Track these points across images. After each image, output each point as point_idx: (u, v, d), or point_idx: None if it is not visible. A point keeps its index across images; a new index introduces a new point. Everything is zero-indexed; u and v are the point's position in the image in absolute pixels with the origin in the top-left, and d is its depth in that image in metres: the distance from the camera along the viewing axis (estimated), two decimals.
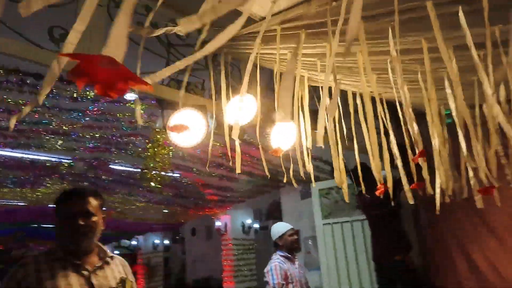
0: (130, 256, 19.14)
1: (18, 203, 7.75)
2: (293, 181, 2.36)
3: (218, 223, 8.77)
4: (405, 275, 3.63)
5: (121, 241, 17.34)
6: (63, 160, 5.32)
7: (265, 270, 3.47)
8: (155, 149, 4.11)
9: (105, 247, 1.72)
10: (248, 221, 8.94)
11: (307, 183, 6.22)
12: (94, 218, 1.62)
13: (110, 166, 5.95)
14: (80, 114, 3.87)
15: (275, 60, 2.32)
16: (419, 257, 4.27)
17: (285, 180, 2.60)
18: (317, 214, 5.39)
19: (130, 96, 3.95)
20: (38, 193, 6.75)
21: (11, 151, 4.75)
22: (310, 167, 2.48)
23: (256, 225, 9.14)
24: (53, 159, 5.25)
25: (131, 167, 5.93)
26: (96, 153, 5.28)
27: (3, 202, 7.27)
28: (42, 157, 5.12)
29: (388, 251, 3.76)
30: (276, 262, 3.45)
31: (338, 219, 5.10)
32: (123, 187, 6.71)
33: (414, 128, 2.09)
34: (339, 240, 4.98)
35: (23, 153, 4.82)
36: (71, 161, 5.36)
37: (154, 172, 4.28)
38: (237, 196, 7.79)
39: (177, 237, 16.80)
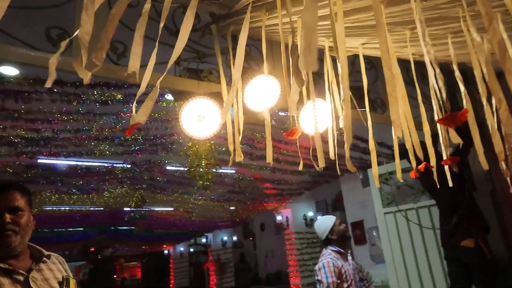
0: (203, 252, 19.86)
1: (90, 208, 8.34)
2: (351, 168, 1.96)
3: (279, 217, 8.54)
4: (477, 260, 3.05)
5: (197, 238, 18.09)
6: (115, 165, 5.50)
7: (317, 268, 3.11)
8: (196, 146, 3.99)
9: (39, 246, 1.52)
10: (310, 213, 8.58)
11: (367, 170, 5.69)
12: (22, 215, 1.41)
13: (163, 167, 6.05)
14: (115, 117, 3.89)
15: (289, 31, 1.99)
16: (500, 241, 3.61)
17: (319, 167, 2.20)
18: (377, 202, 4.87)
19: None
20: (105, 198, 7.15)
21: (66, 160, 5.01)
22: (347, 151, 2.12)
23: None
24: (106, 164, 5.45)
25: (181, 167, 5.96)
26: (145, 155, 5.37)
27: (77, 207, 7.85)
28: (95, 163, 5.34)
29: (457, 234, 3.19)
30: (329, 259, 3.05)
31: (401, 207, 4.54)
32: (178, 186, 6.79)
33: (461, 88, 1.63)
34: (404, 229, 4.43)
35: (77, 160, 5.05)
36: (123, 164, 5.51)
37: (201, 169, 4.16)
38: (295, 189, 7.48)
39: (248, 233, 17.04)
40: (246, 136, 4.89)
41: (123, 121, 4.09)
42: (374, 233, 5.99)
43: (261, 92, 2.49)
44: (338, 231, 3.12)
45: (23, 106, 3.30)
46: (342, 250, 3.09)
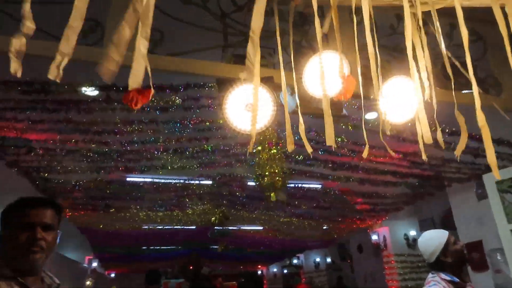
0: (297, 274, 19.06)
1: (178, 226, 8.45)
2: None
3: (374, 237, 7.54)
4: None
5: (291, 259, 17.50)
6: (191, 181, 5.38)
7: None
8: (260, 153, 3.57)
9: (50, 273, 1.47)
10: (413, 232, 7.38)
11: (482, 177, 4.58)
12: (52, 233, 1.39)
13: (241, 181, 5.75)
14: (179, 125, 3.69)
15: None
16: None
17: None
18: (500, 217, 3.78)
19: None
20: (189, 215, 7.13)
21: (142, 177, 5.03)
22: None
23: None
24: (181, 180, 5.35)
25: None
26: (220, 169, 5.13)
27: (166, 226, 8.00)
28: (168, 180, 5.29)
29: None
30: None
31: None
32: (258, 203, 6.41)
33: None
34: None
35: (152, 177, 5.04)
36: (197, 180, 5.36)
37: (270, 181, 3.71)
38: (390, 203, 6.49)
39: (344, 255, 15.84)
40: (323, 141, 4.29)
41: (188, 130, 3.88)
42: (498, 257, 4.73)
43: (325, 75, 1.99)
44: (455, 251, 2.21)
45: (84, 119, 3.28)
46: (458, 280, 2.15)
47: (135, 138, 3.85)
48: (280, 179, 3.39)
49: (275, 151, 3.57)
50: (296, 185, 5.92)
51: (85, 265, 9.71)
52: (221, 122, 3.84)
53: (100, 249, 9.64)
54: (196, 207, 6.54)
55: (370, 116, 4.01)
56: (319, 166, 5.03)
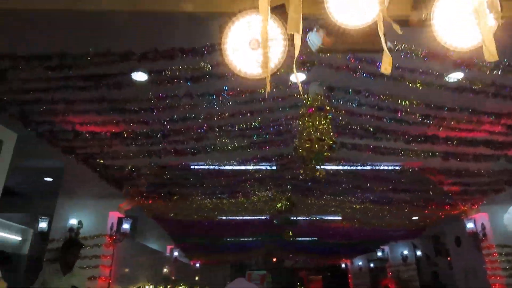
0: (381, 269, 17.66)
1: (255, 216, 8.25)
2: None
3: (470, 225, 6.39)
4: None
5: (374, 252, 16.26)
6: (247, 166, 5.07)
7: None
8: (306, 117, 3.06)
9: None
10: None
11: None
12: None
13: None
14: (214, 98, 3.38)
15: None
16: None
17: None
18: None
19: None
20: (254, 202, 6.86)
21: (196, 164, 4.88)
22: None
23: None
24: (240, 167, 5.07)
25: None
26: (274, 148, 4.72)
27: (238, 217, 7.86)
28: (227, 166, 5.05)
29: None
30: None
31: None
32: (326, 187, 5.85)
33: None
34: None
35: (207, 164, 4.86)
36: (255, 165, 5.02)
37: (308, 149, 3.13)
38: (487, 183, 5.38)
39: (440, 248, 14.22)
40: (383, 106, 3.61)
41: (228, 103, 3.55)
42: None
43: None
44: None
45: (116, 95, 3.16)
46: None
47: (175, 116, 3.66)
48: (324, 146, 2.85)
49: (319, 117, 3.04)
50: (365, 165, 5.23)
51: (167, 254, 10.12)
52: (262, 91, 3.44)
53: (178, 239, 9.96)
54: (259, 193, 6.23)
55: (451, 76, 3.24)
56: (389, 139, 4.32)
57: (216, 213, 7.35)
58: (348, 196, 6.02)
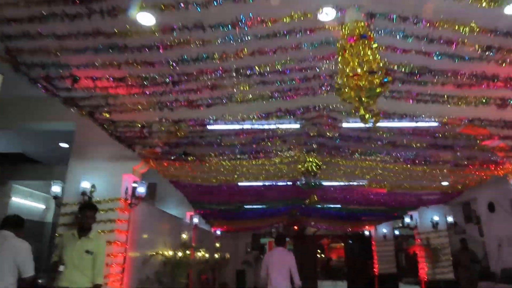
0: (406, 237, 17.15)
1: (276, 182, 7.81)
2: None
3: None
4: None
5: (401, 219, 15.72)
6: (270, 124, 4.54)
7: None
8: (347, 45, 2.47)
9: None
10: None
11: None
12: None
13: (330, 116, 4.70)
14: (229, 29, 2.80)
15: None
16: None
17: None
18: None
19: None
20: (277, 164, 6.38)
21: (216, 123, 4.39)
22: None
23: None
24: (262, 125, 4.55)
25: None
26: (301, 99, 4.16)
27: (258, 182, 7.42)
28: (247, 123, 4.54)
29: None
30: None
31: None
32: (356, 144, 5.28)
33: None
34: None
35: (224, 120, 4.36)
36: (278, 121, 4.48)
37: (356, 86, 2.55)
38: None
39: (470, 215, 13.60)
40: (434, 37, 2.96)
41: (247, 38, 2.98)
42: None
43: None
44: None
45: (112, 27, 2.63)
46: None
47: (185, 56, 3.12)
48: (376, 80, 2.26)
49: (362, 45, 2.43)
50: (404, 118, 4.59)
51: (187, 220, 9.91)
52: (288, 20, 2.85)
53: (198, 205, 9.69)
54: (282, 153, 5.73)
55: None
56: (435, 84, 3.68)
57: (235, 176, 6.93)
58: (380, 155, 5.44)
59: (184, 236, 7.65)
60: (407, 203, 8.27)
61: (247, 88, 3.74)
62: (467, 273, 9.36)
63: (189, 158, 5.26)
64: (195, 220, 9.98)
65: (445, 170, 5.73)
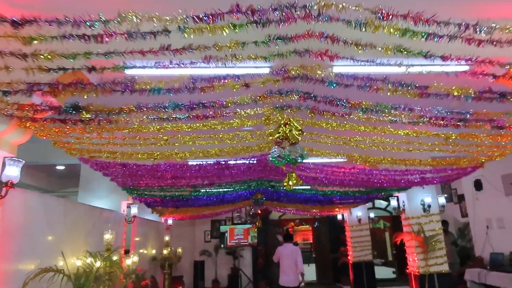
0: (390, 219, 15.96)
1: (236, 159, 5.80)
2: None
3: None
4: None
5: (376, 201, 14.44)
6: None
7: None
8: None
9: None
10: None
11: None
12: None
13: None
14: None
15: None
16: None
17: None
18: None
19: None
20: (237, 131, 4.31)
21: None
22: None
23: None
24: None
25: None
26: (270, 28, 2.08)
27: (210, 160, 5.30)
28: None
29: None
30: None
31: None
32: (358, 93, 3.29)
33: None
34: None
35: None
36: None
37: None
38: None
39: (450, 194, 12.42)
40: None
41: None
42: None
43: None
44: None
45: None
46: None
47: None
48: None
49: None
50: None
51: (122, 211, 7.66)
52: None
53: (133, 192, 7.45)
54: (243, 111, 3.64)
55: None
56: None
57: (175, 151, 4.78)
58: (391, 111, 3.48)
59: (107, 236, 5.42)
60: (405, 182, 6.49)
61: None
62: (448, 258, 8.01)
63: (81, 116, 3.03)
64: (134, 210, 7.72)
65: (482, 136, 3.91)
